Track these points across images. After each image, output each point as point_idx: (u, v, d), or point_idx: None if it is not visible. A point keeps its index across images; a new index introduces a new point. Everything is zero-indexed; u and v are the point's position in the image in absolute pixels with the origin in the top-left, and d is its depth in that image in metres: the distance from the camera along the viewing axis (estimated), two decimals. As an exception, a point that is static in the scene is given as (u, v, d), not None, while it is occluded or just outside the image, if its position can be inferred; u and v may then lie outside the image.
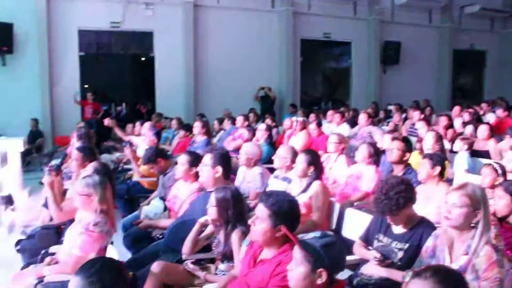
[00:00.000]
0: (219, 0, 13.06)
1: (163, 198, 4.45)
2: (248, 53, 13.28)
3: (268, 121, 8.83)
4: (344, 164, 5.48)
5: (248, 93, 13.15)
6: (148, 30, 12.73)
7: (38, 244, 3.94)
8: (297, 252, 2.19)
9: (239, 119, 8.50)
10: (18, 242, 4.19)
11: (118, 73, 12.76)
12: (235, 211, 3.16)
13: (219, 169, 3.71)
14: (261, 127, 6.99)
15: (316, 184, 4.06)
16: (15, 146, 7.69)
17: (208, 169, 3.72)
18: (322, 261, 2.12)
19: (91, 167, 3.92)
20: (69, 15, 11.93)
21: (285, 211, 2.61)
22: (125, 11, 12.26)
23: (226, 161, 3.81)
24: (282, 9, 13.66)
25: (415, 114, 8.86)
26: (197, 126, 7.26)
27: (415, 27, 15.41)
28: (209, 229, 3.36)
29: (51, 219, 5.21)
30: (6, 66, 11.36)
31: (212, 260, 3.31)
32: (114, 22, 12.30)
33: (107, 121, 8.02)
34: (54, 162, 7.17)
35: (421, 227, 2.95)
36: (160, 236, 3.87)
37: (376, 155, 4.96)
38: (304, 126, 7.91)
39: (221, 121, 9.78)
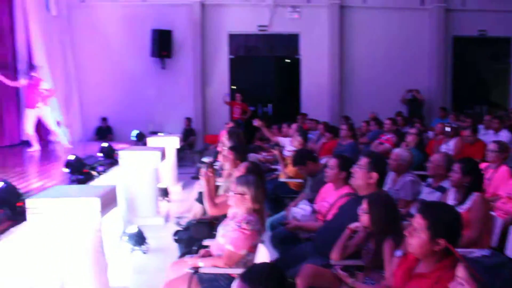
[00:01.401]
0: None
1: (311, 201, 4.46)
2: (395, 54, 12.82)
3: (418, 125, 8.41)
4: (506, 175, 5.00)
5: (395, 95, 12.67)
6: (294, 32, 12.95)
7: (193, 236, 4.19)
8: (462, 271, 2.02)
9: (387, 123, 8.22)
10: (176, 233, 4.50)
11: (264, 75, 13.20)
12: (387, 219, 3.05)
13: (374, 175, 3.59)
14: (411, 131, 6.68)
15: (475, 196, 3.75)
16: (172, 143, 8.38)
17: (363, 173, 3.62)
18: (491, 283, 1.93)
19: (243, 166, 4.07)
20: (221, 21, 12.65)
21: (446, 223, 2.43)
22: (272, 15, 12.64)
23: (382, 168, 3.67)
24: (433, 6, 12.91)
25: None
26: (343, 129, 7.18)
27: None
28: (360, 235, 3.28)
29: (204, 213, 5.53)
30: (165, 69, 12.44)
31: (361, 268, 3.23)
32: (262, 25, 12.74)
33: (256, 122, 8.30)
34: (206, 159, 7.65)
35: None
36: (308, 239, 3.88)
37: (546, 166, 4.44)
38: (457, 132, 7.40)
39: (369, 123, 9.55)
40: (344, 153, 5.60)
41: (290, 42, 13.13)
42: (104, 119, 12.12)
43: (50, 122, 8.87)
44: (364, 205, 3.11)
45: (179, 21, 12.44)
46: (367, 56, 12.80)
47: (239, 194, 3.30)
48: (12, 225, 3.72)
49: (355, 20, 12.86)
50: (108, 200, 3.75)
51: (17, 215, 3.81)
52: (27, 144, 10.09)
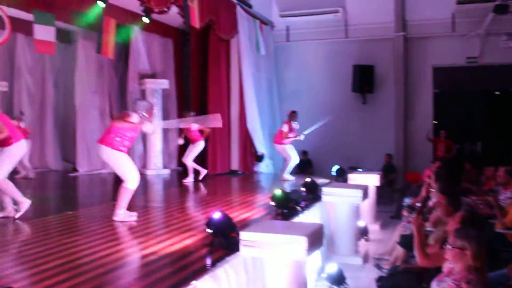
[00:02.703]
0: None
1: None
2: None
3: None
4: None
5: None
6: (509, 63, 11.77)
7: (399, 285, 3.97)
8: None
9: None
10: (379, 279, 4.32)
11: (472, 110, 12.23)
12: None
13: None
14: None
15: None
16: (373, 180, 8.22)
17: None
18: None
19: (459, 216, 3.71)
20: (425, 54, 12.24)
21: None
22: (483, 45, 11.74)
23: None
24: None
25: None
26: None
27: None
28: None
29: (406, 259, 5.24)
30: (366, 104, 12.43)
31: None
32: (471, 57, 11.92)
33: None
34: (409, 200, 7.30)
35: None
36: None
37: None
38: None
39: None
40: None
41: (504, 73, 12.00)
42: (304, 153, 12.51)
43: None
44: None
45: (381, 56, 12.36)
46: None
47: (458, 248, 3.00)
48: (226, 255, 3.98)
49: None
50: (315, 240, 3.78)
51: (230, 245, 4.07)
52: (235, 173, 10.98)
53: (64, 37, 11.53)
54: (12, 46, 11.25)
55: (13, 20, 9.40)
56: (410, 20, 12.21)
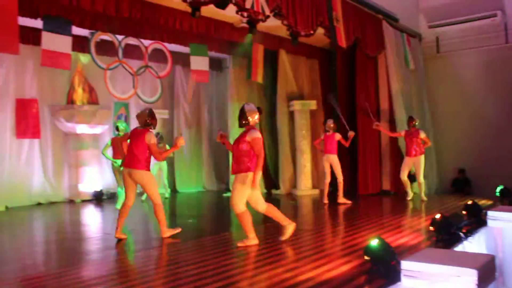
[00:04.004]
0: None
1: None
2: None
3: None
4: None
5: None
6: None
7: None
8: None
9: None
10: None
11: None
12: None
13: None
14: None
15: None
16: (548, 203, 7.31)
17: None
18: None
19: None
20: None
21: None
22: None
23: None
24: None
25: None
26: None
27: None
28: None
29: None
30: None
31: None
32: None
33: None
34: None
35: None
36: None
37: None
38: None
39: None
40: None
41: None
42: (461, 171, 11.61)
43: (420, 171, 9.12)
44: None
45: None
46: None
47: None
48: (386, 284, 3.78)
49: None
50: (486, 273, 3.44)
51: (391, 274, 3.86)
52: (386, 194, 10.56)
53: (215, 65, 12.31)
54: (172, 77, 12.29)
55: (172, 54, 10.39)
56: None
